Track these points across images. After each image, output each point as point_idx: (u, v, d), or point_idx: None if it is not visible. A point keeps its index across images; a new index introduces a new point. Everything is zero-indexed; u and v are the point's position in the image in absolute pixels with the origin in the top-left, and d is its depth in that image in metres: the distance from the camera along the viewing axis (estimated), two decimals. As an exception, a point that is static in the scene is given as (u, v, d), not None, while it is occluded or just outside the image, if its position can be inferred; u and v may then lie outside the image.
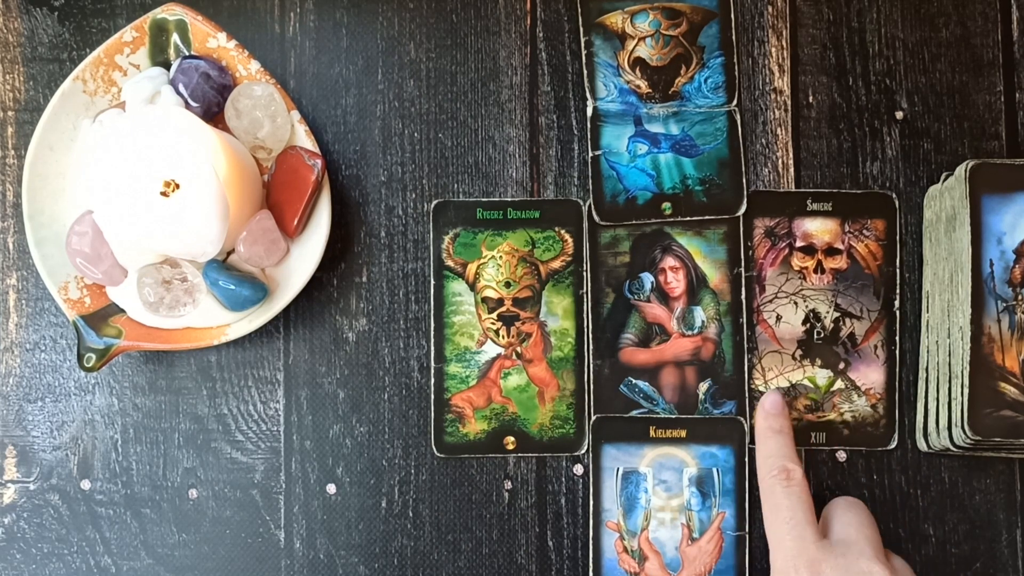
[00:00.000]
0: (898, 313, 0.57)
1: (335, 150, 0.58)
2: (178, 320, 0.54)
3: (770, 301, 0.57)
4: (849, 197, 0.58)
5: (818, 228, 0.57)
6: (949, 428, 0.52)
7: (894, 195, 0.58)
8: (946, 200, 0.52)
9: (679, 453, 0.56)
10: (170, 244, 0.50)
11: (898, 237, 0.57)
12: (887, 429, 0.57)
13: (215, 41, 0.54)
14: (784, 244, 0.57)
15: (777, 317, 0.57)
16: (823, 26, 0.59)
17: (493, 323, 0.57)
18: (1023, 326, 0.48)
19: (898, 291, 0.57)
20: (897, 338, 0.57)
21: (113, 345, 0.53)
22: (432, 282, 0.57)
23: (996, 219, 0.48)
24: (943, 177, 0.55)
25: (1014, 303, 0.48)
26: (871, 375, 0.57)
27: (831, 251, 0.57)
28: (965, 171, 0.49)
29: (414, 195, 0.58)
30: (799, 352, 0.57)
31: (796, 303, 0.57)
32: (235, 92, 0.54)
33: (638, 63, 0.58)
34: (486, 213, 0.57)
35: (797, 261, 0.57)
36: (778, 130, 0.58)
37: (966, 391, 0.48)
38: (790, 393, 0.57)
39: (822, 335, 0.57)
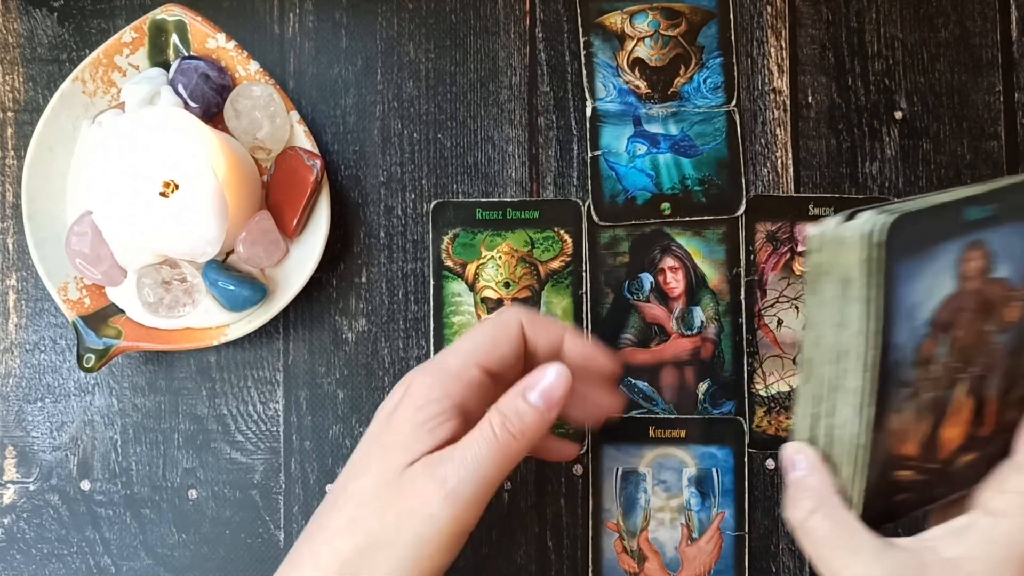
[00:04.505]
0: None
1: (334, 150, 0.58)
2: (178, 320, 0.54)
3: (771, 305, 0.57)
4: (850, 202, 0.58)
5: (819, 231, 0.57)
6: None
7: (895, 200, 0.58)
8: (843, 255, 0.37)
9: (678, 453, 0.56)
10: (169, 244, 0.50)
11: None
12: (886, 429, 0.56)
13: (214, 42, 0.54)
14: (786, 249, 0.57)
15: (778, 321, 0.57)
16: (822, 26, 0.59)
17: (492, 323, 0.57)
18: (927, 406, 0.38)
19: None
20: (896, 338, 0.57)
21: (112, 346, 0.53)
22: (431, 282, 0.57)
23: (910, 289, 0.36)
24: (839, 217, 0.38)
25: (918, 385, 0.37)
26: (870, 376, 0.57)
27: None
28: (880, 232, 0.35)
29: (413, 195, 0.58)
30: (800, 357, 0.57)
31: (797, 307, 0.57)
32: (234, 93, 0.54)
33: (637, 63, 0.58)
34: (485, 213, 0.57)
35: (799, 266, 0.57)
36: (777, 130, 0.58)
37: (861, 496, 0.39)
38: (790, 398, 0.57)
39: (822, 338, 0.57)
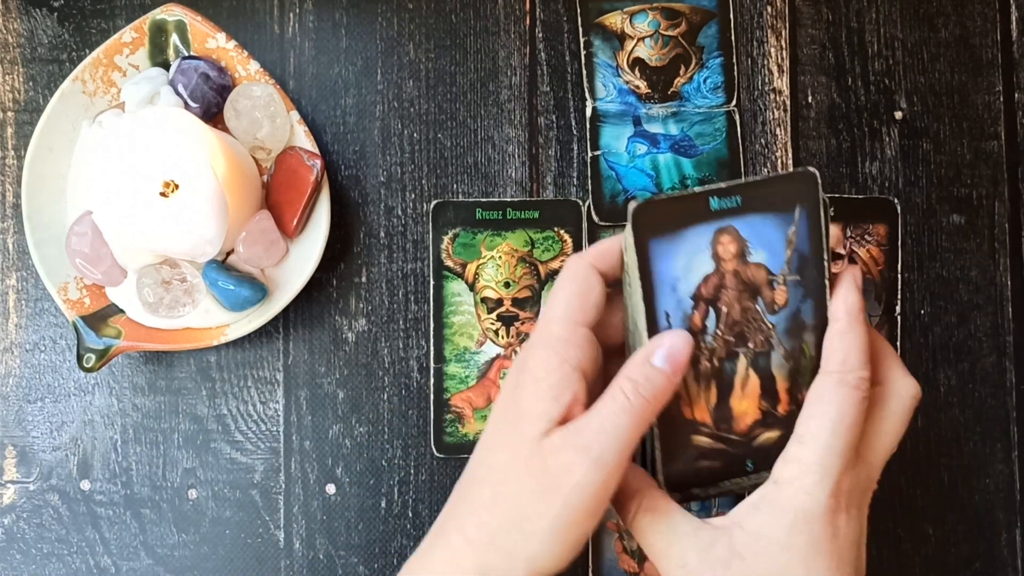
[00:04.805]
0: (899, 318, 0.57)
1: (334, 150, 0.58)
2: (178, 320, 0.54)
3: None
4: (851, 202, 0.57)
5: (818, 230, 0.57)
6: (655, 475, 0.46)
7: (896, 200, 0.58)
8: (637, 232, 0.43)
9: (678, 453, 0.56)
10: (169, 244, 0.50)
11: (900, 242, 0.57)
12: (886, 429, 0.57)
13: (214, 42, 0.54)
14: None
15: (776, 317, 0.57)
16: (822, 26, 0.59)
17: (492, 323, 0.57)
18: (708, 374, 0.43)
19: (899, 296, 0.57)
20: (899, 343, 0.57)
21: (112, 346, 0.53)
22: (431, 282, 0.57)
23: (667, 265, 0.42)
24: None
25: (697, 352, 0.43)
26: (870, 375, 0.57)
27: (832, 256, 0.57)
28: (629, 215, 0.42)
29: (413, 195, 0.58)
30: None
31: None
32: (234, 93, 0.54)
33: (637, 63, 0.58)
34: (485, 213, 0.57)
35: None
36: (777, 130, 0.58)
37: (659, 453, 0.44)
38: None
39: (821, 336, 0.57)
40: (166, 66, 0.55)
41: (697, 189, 0.42)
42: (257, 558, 0.57)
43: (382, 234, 0.58)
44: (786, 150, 0.58)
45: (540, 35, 0.59)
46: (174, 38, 0.55)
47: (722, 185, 0.42)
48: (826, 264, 0.44)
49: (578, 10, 0.58)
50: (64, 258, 0.53)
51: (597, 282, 0.44)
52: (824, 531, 0.41)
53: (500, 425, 0.43)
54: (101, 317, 0.54)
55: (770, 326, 0.43)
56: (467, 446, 0.57)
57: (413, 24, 0.58)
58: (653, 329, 0.42)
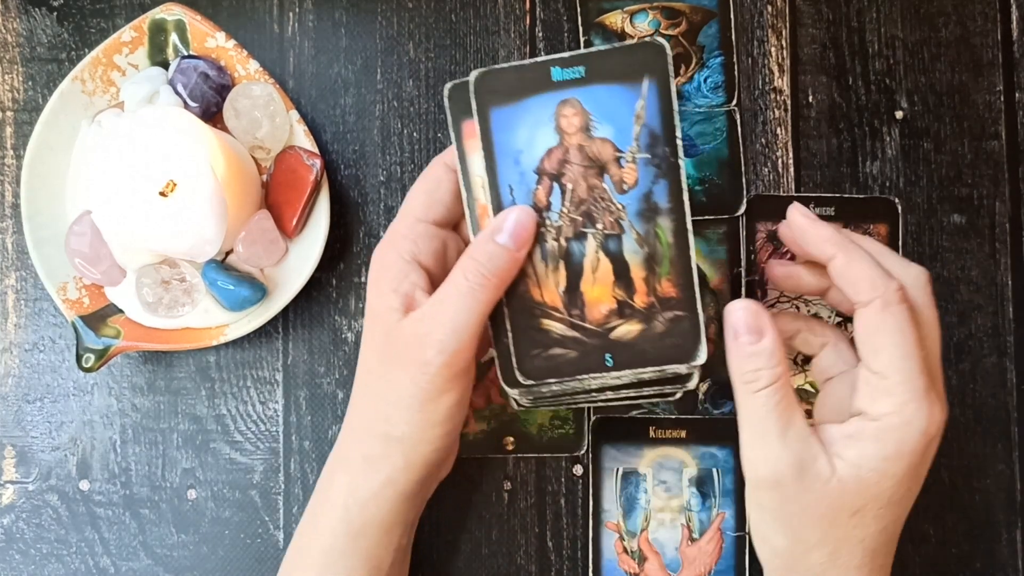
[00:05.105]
0: (898, 313, 0.57)
1: (334, 150, 0.58)
2: (177, 320, 0.54)
3: (772, 305, 0.57)
4: (852, 202, 0.57)
5: (818, 229, 0.57)
6: (509, 361, 0.45)
7: (896, 200, 0.58)
8: (452, 111, 0.43)
9: (679, 454, 0.56)
10: (169, 244, 0.50)
11: (900, 242, 0.57)
12: (887, 429, 0.56)
13: (214, 41, 0.54)
14: (786, 248, 0.57)
15: (776, 317, 0.57)
16: (823, 26, 0.59)
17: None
18: (556, 254, 0.42)
19: (898, 291, 0.57)
20: (897, 338, 0.57)
21: (112, 345, 0.53)
22: (431, 282, 0.57)
23: (509, 136, 0.41)
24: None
25: (543, 230, 0.42)
26: (870, 375, 0.57)
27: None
28: (471, 83, 0.42)
29: (413, 195, 0.58)
30: (801, 356, 0.57)
31: (797, 307, 0.57)
32: (234, 92, 0.54)
33: (637, 63, 0.58)
34: (485, 213, 0.57)
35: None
36: (778, 130, 0.58)
37: (511, 335, 0.42)
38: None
39: (822, 336, 0.57)
40: (165, 65, 0.55)
41: (540, 58, 0.41)
42: (257, 558, 0.56)
43: (382, 234, 0.58)
44: (787, 149, 0.58)
45: (540, 35, 0.58)
46: (173, 37, 0.54)
47: (565, 55, 0.41)
48: (679, 143, 0.42)
49: (578, 10, 0.58)
50: (63, 258, 0.53)
51: (446, 178, 0.45)
52: (920, 459, 0.42)
53: (364, 328, 0.46)
54: (100, 317, 0.54)
55: (620, 207, 0.42)
56: (467, 446, 0.57)
57: (413, 24, 0.58)
58: (497, 202, 0.42)
